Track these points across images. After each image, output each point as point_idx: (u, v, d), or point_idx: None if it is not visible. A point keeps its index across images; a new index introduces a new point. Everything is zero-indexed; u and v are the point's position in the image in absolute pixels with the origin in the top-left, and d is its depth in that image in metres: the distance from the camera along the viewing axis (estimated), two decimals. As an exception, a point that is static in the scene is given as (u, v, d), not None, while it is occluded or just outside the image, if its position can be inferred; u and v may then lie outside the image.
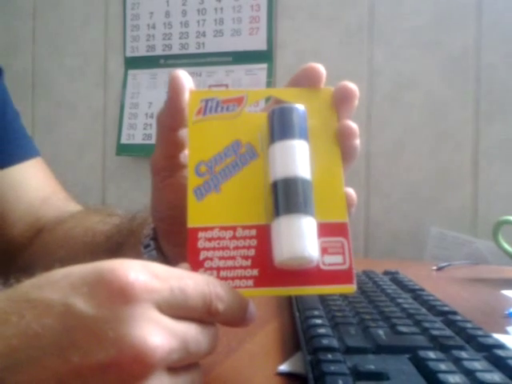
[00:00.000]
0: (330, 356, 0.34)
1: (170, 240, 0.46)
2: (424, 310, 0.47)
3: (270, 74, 1.28)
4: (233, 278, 0.33)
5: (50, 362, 0.25)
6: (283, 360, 0.40)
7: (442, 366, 0.32)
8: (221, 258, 0.34)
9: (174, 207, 0.41)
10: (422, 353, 0.34)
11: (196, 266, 0.33)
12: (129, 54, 1.42)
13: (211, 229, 0.34)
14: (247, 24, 1.31)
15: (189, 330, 0.29)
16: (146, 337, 0.25)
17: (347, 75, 1.26)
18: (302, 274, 0.33)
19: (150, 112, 1.38)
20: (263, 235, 0.34)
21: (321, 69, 0.39)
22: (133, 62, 1.42)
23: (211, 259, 0.34)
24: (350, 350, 0.36)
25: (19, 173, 0.65)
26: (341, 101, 0.38)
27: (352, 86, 0.39)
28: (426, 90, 1.19)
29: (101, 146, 1.45)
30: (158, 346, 0.26)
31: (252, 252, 0.34)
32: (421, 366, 0.33)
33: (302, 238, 0.33)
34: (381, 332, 0.39)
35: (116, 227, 0.55)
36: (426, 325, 0.41)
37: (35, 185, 0.66)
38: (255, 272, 0.33)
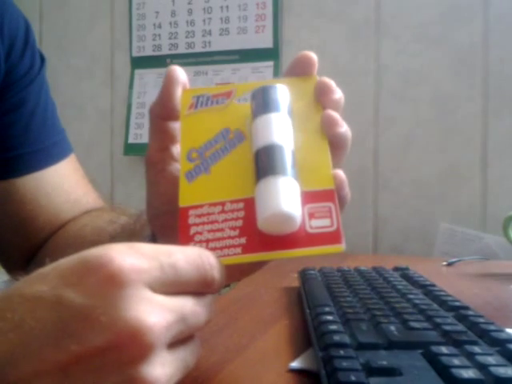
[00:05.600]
0: (341, 352, 0.34)
1: (167, 237, 0.45)
2: (435, 306, 0.46)
3: (277, 71, 1.28)
4: (221, 248, 0.34)
5: (49, 353, 0.25)
6: (295, 357, 0.40)
7: (455, 361, 0.32)
8: (210, 231, 0.35)
9: (169, 202, 0.41)
10: (434, 348, 0.34)
11: (186, 240, 0.35)
12: (135, 53, 1.43)
13: (201, 206, 0.36)
14: (253, 22, 1.31)
15: (185, 304, 0.29)
16: (140, 316, 0.26)
17: (354, 71, 1.26)
18: (289, 238, 0.33)
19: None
20: (250, 207, 0.35)
21: (312, 55, 0.41)
22: (139, 62, 1.42)
23: (201, 233, 0.35)
24: (361, 346, 0.36)
25: (54, 175, 0.64)
26: (321, 96, 0.40)
27: (327, 80, 0.40)
28: (434, 85, 1.18)
29: (108, 146, 1.46)
30: (154, 323, 0.26)
31: (239, 223, 0.35)
32: (434, 361, 0.33)
33: (279, 196, 0.33)
34: (392, 328, 0.39)
35: (121, 227, 0.55)
36: (438, 320, 0.41)
37: (67, 188, 0.65)
38: (243, 240, 0.34)
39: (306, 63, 0.41)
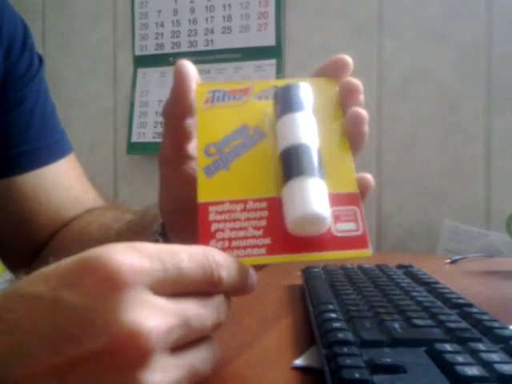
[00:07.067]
0: (345, 349, 0.34)
1: (180, 233, 0.45)
2: (439, 303, 0.46)
3: (279, 69, 1.28)
4: (245, 247, 0.34)
5: (45, 355, 0.25)
6: (298, 354, 0.40)
7: (459, 358, 0.32)
8: (232, 229, 0.34)
9: (184, 199, 0.41)
10: (438, 345, 0.34)
11: (207, 237, 0.34)
12: (138, 52, 1.43)
13: (221, 203, 0.35)
14: (255, 20, 1.31)
15: (188, 306, 0.28)
16: (137, 321, 0.25)
17: (357, 69, 1.25)
18: (316, 240, 0.33)
19: (160, 110, 1.38)
20: (274, 207, 0.35)
21: (348, 59, 0.40)
22: (142, 61, 1.42)
23: (222, 230, 0.34)
24: (365, 344, 0.36)
25: (53, 173, 0.64)
26: (347, 96, 0.39)
27: (355, 81, 0.39)
28: (437, 82, 1.18)
29: (112, 145, 1.46)
30: (152, 328, 0.25)
31: (263, 222, 0.34)
32: (437, 358, 0.33)
33: (310, 197, 0.33)
34: (396, 325, 0.39)
35: (127, 224, 0.55)
36: (442, 317, 0.40)
37: (67, 185, 0.65)
38: (267, 241, 0.34)
39: (340, 66, 0.40)
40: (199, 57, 1.36)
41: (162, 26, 1.40)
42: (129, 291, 0.26)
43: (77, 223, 0.63)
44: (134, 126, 1.41)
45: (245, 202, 0.35)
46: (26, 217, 0.63)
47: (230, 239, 0.34)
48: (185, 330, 0.28)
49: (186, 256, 0.29)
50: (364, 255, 0.33)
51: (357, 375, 0.30)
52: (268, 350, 0.43)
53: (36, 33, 1.51)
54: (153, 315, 0.26)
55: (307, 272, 0.63)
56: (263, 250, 0.33)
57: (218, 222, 0.34)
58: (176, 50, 1.39)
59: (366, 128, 0.37)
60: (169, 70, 1.39)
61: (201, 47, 1.36)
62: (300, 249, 0.33)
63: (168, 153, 0.42)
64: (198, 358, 0.29)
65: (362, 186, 0.36)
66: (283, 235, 0.34)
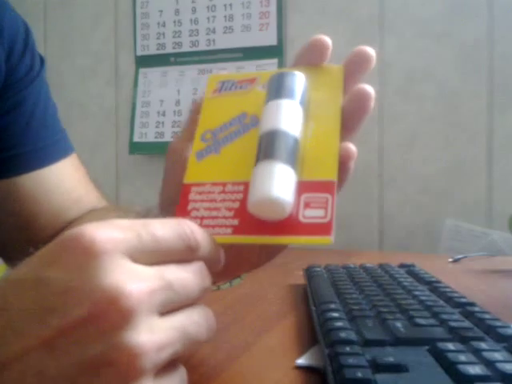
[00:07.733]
0: (348, 349, 0.34)
1: None
2: (441, 302, 0.46)
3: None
4: (214, 226, 0.34)
5: (34, 330, 0.26)
6: (301, 354, 0.40)
7: (462, 357, 0.32)
8: (206, 209, 0.35)
9: None
10: (440, 344, 0.34)
11: (182, 214, 0.35)
12: (139, 52, 1.43)
13: (203, 184, 0.37)
14: (257, 20, 1.31)
15: (168, 270, 0.29)
16: (116, 284, 0.26)
17: (358, 69, 1.26)
18: (280, 225, 0.33)
19: (162, 110, 1.39)
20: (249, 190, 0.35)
21: (326, 39, 0.40)
22: (143, 61, 1.42)
23: (197, 209, 0.36)
24: (368, 343, 0.36)
25: (54, 173, 0.64)
26: (357, 63, 0.39)
27: (368, 48, 0.39)
28: (439, 81, 1.18)
29: (113, 145, 1.46)
30: (131, 290, 0.26)
31: (236, 204, 0.35)
32: (440, 357, 0.33)
33: (270, 181, 0.33)
34: (399, 324, 0.39)
35: None
36: (444, 316, 0.41)
37: (68, 186, 0.65)
38: (235, 221, 0.34)
39: (319, 47, 0.40)
40: (201, 56, 1.36)
41: (164, 25, 1.40)
42: (106, 258, 0.26)
43: (77, 224, 0.63)
44: (136, 125, 1.41)
45: (224, 184, 0.36)
46: (26, 218, 0.63)
47: (202, 218, 0.35)
48: (169, 293, 0.28)
49: (160, 225, 0.30)
50: (324, 242, 0.32)
51: (359, 374, 0.30)
52: (270, 349, 0.43)
53: (37, 33, 1.51)
54: (132, 278, 0.26)
55: (309, 271, 0.63)
56: (229, 230, 0.34)
57: (196, 201, 0.36)
58: (177, 50, 1.39)
59: (372, 104, 0.37)
60: (170, 70, 1.39)
61: (202, 47, 1.36)
62: (264, 231, 0.34)
63: (178, 141, 0.43)
64: (189, 322, 0.29)
65: (344, 157, 0.36)
66: (251, 218, 0.34)
